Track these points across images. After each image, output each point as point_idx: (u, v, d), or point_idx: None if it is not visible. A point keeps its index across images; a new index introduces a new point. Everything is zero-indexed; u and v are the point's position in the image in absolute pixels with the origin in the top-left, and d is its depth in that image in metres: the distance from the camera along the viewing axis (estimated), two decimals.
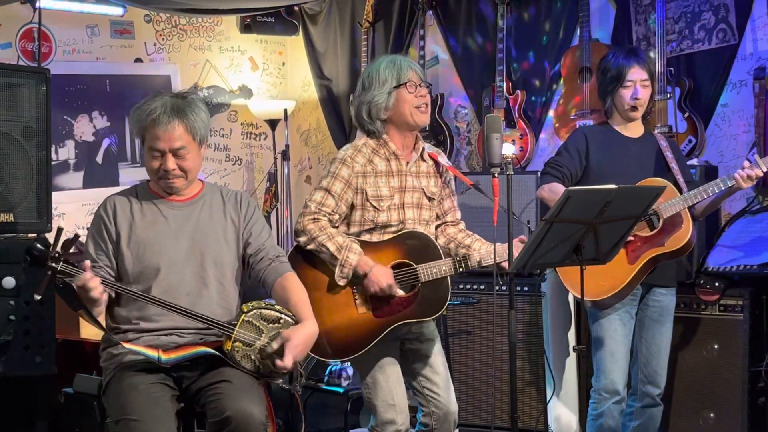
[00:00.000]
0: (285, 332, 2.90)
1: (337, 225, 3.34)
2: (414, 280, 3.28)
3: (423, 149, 3.41)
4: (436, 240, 3.41)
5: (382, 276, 3.23)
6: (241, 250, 3.12)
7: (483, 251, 3.33)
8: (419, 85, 3.32)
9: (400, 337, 3.39)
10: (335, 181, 3.31)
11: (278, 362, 2.86)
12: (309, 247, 3.29)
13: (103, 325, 3.00)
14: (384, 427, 3.31)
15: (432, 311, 3.28)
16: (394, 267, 3.28)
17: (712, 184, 3.59)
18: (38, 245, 2.76)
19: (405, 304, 3.28)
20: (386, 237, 3.32)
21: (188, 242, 3.03)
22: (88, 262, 2.81)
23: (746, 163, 3.56)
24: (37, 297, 2.76)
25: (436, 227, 3.49)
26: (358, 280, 3.28)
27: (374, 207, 3.31)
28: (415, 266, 3.28)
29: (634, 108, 3.73)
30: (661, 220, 3.62)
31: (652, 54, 4.62)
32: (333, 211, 3.30)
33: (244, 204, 3.16)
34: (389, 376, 3.32)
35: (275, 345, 2.88)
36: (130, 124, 3.06)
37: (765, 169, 3.56)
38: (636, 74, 3.70)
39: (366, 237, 3.33)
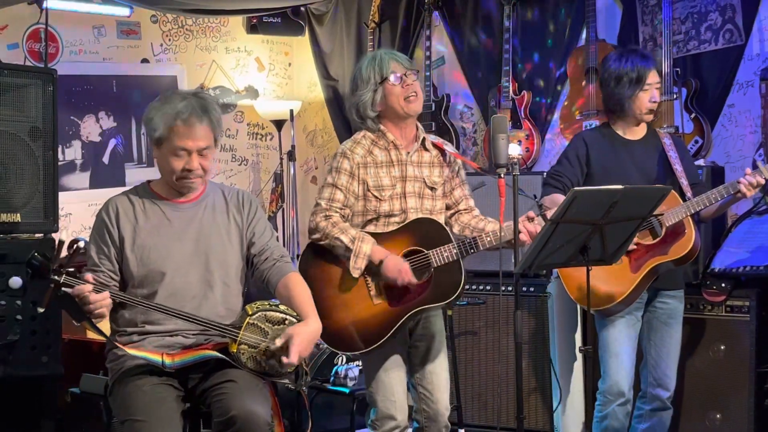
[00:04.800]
0: (289, 329, 2.91)
1: (349, 219, 3.36)
2: (427, 266, 3.28)
3: (424, 138, 3.43)
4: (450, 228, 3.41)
5: (396, 264, 3.24)
6: (245, 250, 3.12)
7: (490, 229, 3.31)
8: (404, 74, 3.33)
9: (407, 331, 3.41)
10: (339, 175, 3.34)
11: (284, 359, 2.87)
12: (323, 243, 3.32)
13: (108, 326, 3.00)
14: (384, 422, 3.34)
15: (447, 295, 3.27)
16: (405, 255, 3.30)
17: (715, 192, 3.57)
18: (38, 256, 2.73)
19: (419, 290, 3.29)
20: (391, 227, 3.34)
21: (192, 244, 3.03)
22: (90, 276, 2.81)
23: (748, 170, 3.55)
24: (41, 310, 2.75)
25: (450, 216, 3.50)
26: (371, 271, 3.29)
27: (375, 197, 3.33)
28: (427, 252, 3.28)
29: (651, 111, 3.75)
30: (664, 228, 3.61)
31: (658, 55, 4.62)
32: (344, 205, 3.33)
33: (247, 203, 3.16)
34: (392, 373, 3.35)
35: (279, 342, 2.89)
36: (147, 125, 3.00)
37: None
38: (654, 77, 3.74)
39: (370, 227, 3.35)
